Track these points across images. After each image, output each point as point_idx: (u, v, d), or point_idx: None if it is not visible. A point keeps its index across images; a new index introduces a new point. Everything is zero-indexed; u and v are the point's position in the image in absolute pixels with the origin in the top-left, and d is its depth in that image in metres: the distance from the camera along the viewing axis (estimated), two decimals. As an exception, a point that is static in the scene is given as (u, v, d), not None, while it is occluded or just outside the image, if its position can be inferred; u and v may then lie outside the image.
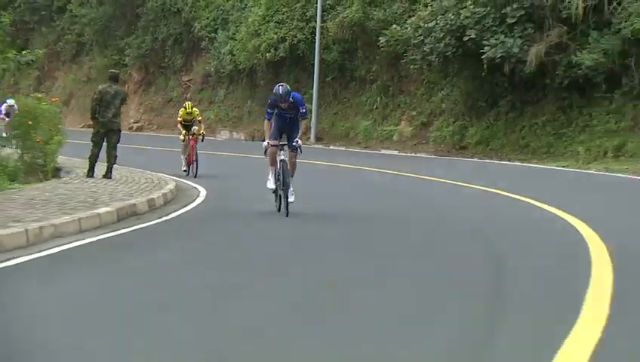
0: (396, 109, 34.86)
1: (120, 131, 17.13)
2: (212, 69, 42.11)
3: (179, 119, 20.68)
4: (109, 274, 7.55)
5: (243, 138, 38.51)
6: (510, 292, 7.00)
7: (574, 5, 26.93)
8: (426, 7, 31.34)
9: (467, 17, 28.46)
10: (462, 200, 15.40)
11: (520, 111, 29.73)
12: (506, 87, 29.56)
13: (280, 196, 12.15)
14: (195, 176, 18.94)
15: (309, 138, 36.21)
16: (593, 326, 5.50)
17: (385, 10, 34.32)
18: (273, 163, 12.22)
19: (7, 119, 24.89)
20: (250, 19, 38.53)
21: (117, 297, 6.53)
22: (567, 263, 8.40)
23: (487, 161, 27.90)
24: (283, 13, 37.47)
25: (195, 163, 19.52)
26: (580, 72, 26.69)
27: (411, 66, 31.54)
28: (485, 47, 27.64)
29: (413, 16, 32.04)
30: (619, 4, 26.49)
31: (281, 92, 12.05)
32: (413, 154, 30.91)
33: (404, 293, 6.79)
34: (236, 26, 40.72)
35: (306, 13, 36.90)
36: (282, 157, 12.09)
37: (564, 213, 12.06)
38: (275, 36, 36.93)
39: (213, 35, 42.04)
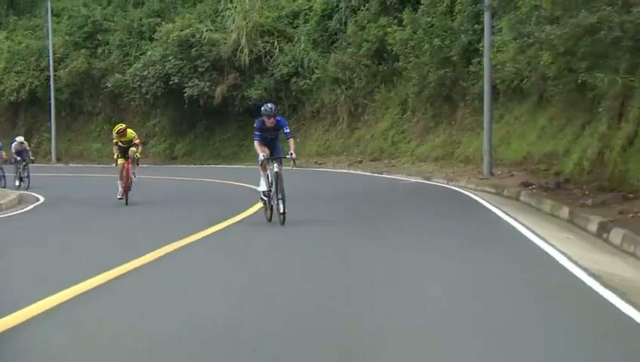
0: (119, 134, 46.11)
1: None
2: (-47, 109, 50.79)
3: (114, 141, 19.38)
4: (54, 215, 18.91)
5: (-6, 164, 47.81)
6: (218, 201, 19.41)
7: (243, 58, 39.92)
8: (139, 58, 43.06)
9: (171, 68, 40.20)
10: (196, 185, 27.47)
11: (212, 131, 42.34)
12: (202, 114, 41.91)
13: (272, 207, 13.63)
14: (127, 204, 18.90)
15: (50, 158, 46.56)
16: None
17: (104, 61, 45.51)
18: (265, 169, 13.71)
19: (18, 158, 26.44)
20: (-8, 71, 48.05)
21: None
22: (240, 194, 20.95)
23: (193, 166, 40.25)
24: (21, 65, 47.37)
25: (129, 190, 19.03)
26: (250, 102, 39.11)
27: (131, 103, 43.10)
28: (186, 88, 39.73)
29: (127, 64, 43.67)
30: (271, 57, 39.93)
31: (270, 107, 13.46)
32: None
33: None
34: (-24, 75, 49.79)
35: (40, 65, 47.04)
36: (276, 169, 13.38)
37: (241, 183, 24.66)
38: (17, 83, 46.77)
39: (-46, 82, 50.71)
